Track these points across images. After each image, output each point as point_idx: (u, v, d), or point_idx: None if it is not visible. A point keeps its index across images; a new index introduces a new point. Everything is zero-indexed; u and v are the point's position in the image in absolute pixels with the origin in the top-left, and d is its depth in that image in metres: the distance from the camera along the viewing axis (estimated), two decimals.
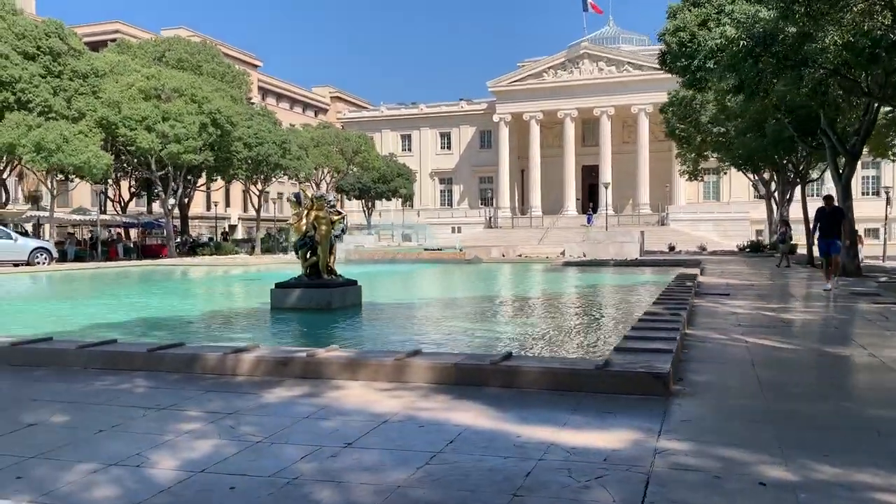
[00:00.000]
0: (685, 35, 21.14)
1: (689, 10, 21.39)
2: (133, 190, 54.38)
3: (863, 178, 70.60)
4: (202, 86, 41.90)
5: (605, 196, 72.53)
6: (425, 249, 36.78)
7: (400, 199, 75.54)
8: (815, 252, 16.76)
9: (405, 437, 4.84)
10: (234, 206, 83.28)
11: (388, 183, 68.34)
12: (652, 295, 17.33)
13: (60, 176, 38.20)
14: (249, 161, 45.86)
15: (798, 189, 37.04)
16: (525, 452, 4.42)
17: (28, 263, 31.63)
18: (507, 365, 6.23)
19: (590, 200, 77.98)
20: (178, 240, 52.73)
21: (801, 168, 30.73)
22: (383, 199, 71.45)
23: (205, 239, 58.29)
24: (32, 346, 7.86)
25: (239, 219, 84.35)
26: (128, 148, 38.48)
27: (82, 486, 4.06)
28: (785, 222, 28.13)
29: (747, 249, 45.78)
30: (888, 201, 44.94)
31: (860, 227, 45.19)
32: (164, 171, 42.72)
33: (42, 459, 4.55)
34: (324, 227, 13.52)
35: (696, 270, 21.60)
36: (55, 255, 33.80)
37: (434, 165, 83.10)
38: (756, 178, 45.93)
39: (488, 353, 7.59)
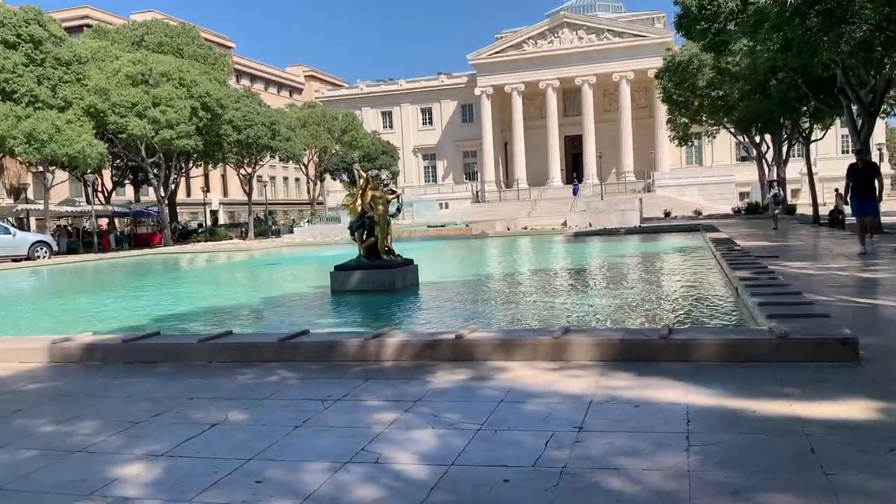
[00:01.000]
0: None
1: None
2: (115, 178, 53.31)
3: (842, 136, 71.17)
4: (189, 69, 40.94)
5: (590, 165, 72.72)
6: (429, 226, 36.46)
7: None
8: (847, 210, 15.49)
9: (634, 419, 4.67)
10: (214, 190, 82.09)
11: (373, 161, 67.61)
12: (699, 260, 17.33)
13: (52, 168, 37.15)
14: (239, 144, 45.05)
15: (792, 149, 37.38)
16: (786, 427, 4.26)
17: (28, 258, 30.87)
18: (679, 338, 6.06)
19: (573, 170, 77.98)
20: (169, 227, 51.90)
21: (804, 128, 30.85)
22: None
23: (194, 225, 57.41)
24: (147, 342, 7.55)
25: (220, 203, 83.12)
26: (118, 135, 37.54)
27: (338, 487, 3.84)
28: (776, 182, 27.52)
29: (742, 212, 46.08)
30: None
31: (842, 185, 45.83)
32: (154, 158, 41.84)
33: (263, 461, 4.33)
34: (381, 207, 13.22)
35: (722, 234, 21.60)
36: (55, 248, 33.03)
37: (417, 141, 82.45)
38: (747, 140, 46.14)
39: (642, 327, 7.42)
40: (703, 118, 40.74)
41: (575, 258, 21.71)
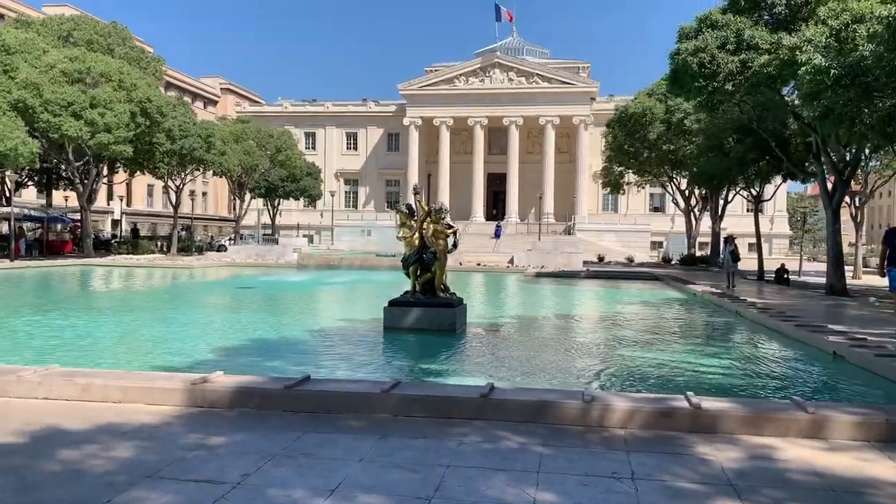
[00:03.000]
0: (706, 56, 21.55)
1: (709, 32, 21.82)
2: (19, 180, 49.39)
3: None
4: (130, 72, 38.65)
5: (512, 204, 73.75)
6: (377, 255, 35.49)
7: (306, 200, 73.30)
8: (884, 280, 12.97)
9: None
10: (116, 199, 77.80)
11: (297, 182, 65.93)
12: (712, 313, 17.46)
13: None
14: (172, 154, 42.73)
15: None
16: None
17: None
18: None
19: (493, 208, 78.85)
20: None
21: (758, 187, 32.23)
22: (290, 199, 68.90)
23: (107, 235, 53.97)
24: (315, 390, 6.63)
25: (122, 213, 78.73)
26: (49, 135, 34.77)
27: None
28: (732, 238, 28.08)
29: (671, 261, 47.55)
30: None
31: (745, 242, 48.28)
32: (80, 162, 39.04)
33: None
34: (441, 242, 12.59)
35: (708, 287, 22.00)
36: None
37: (340, 165, 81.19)
38: (679, 193, 47.87)
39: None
40: (650, 169, 41.97)
41: (573, 303, 21.54)
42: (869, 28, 18.08)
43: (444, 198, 75.35)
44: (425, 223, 12.59)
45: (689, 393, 6.48)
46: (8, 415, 6.38)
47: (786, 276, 30.55)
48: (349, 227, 69.72)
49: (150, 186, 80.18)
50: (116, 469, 5.02)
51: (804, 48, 16.59)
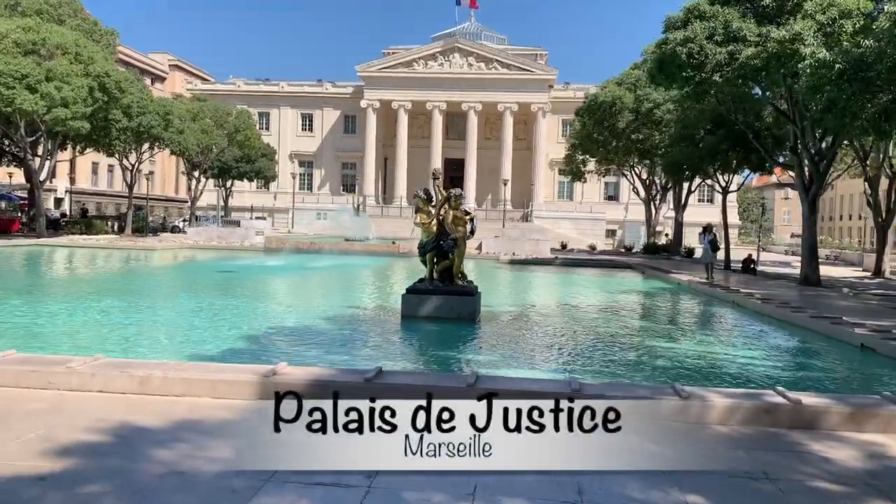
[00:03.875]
0: (694, 46, 21.66)
1: (698, 22, 21.93)
2: None
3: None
4: (87, 45, 37.06)
5: (470, 190, 73.59)
6: (346, 240, 34.92)
7: (260, 181, 71.87)
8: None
9: None
10: (59, 176, 74.96)
11: (251, 163, 64.46)
12: (706, 302, 17.58)
13: None
14: (128, 131, 41.23)
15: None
16: None
17: None
18: None
19: None
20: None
21: (727, 177, 32.77)
22: (244, 180, 67.38)
23: (54, 214, 51.94)
24: (404, 384, 6.32)
25: (66, 191, 75.99)
26: (1, 109, 33.07)
27: None
28: (711, 227, 28.04)
29: (634, 250, 48.09)
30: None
31: (692, 231, 49.23)
32: (33, 138, 37.38)
33: None
34: (461, 228, 12.28)
35: (694, 278, 22.24)
36: None
37: (294, 147, 79.75)
38: (638, 180, 48.36)
39: None
40: (615, 158, 42.26)
41: (571, 290, 21.38)
42: (855, 23, 18.41)
43: (400, 181, 74.92)
44: (443, 209, 12.29)
45: (780, 388, 6.40)
46: (71, 409, 5.91)
47: (752, 266, 31.21)
48: (306, 210, 68.66)
49: (95, 164, 77.49)
50: (226, 472, 4.66)
51: (807, 41, 16.78)
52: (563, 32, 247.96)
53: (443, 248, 12.22)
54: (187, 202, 71.48)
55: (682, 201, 41.68)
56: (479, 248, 39.93)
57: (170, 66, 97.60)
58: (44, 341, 9.51)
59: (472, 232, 12.77)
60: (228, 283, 20.01)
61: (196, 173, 55.89)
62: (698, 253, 31.28)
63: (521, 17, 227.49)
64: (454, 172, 78.85)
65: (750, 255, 31.86)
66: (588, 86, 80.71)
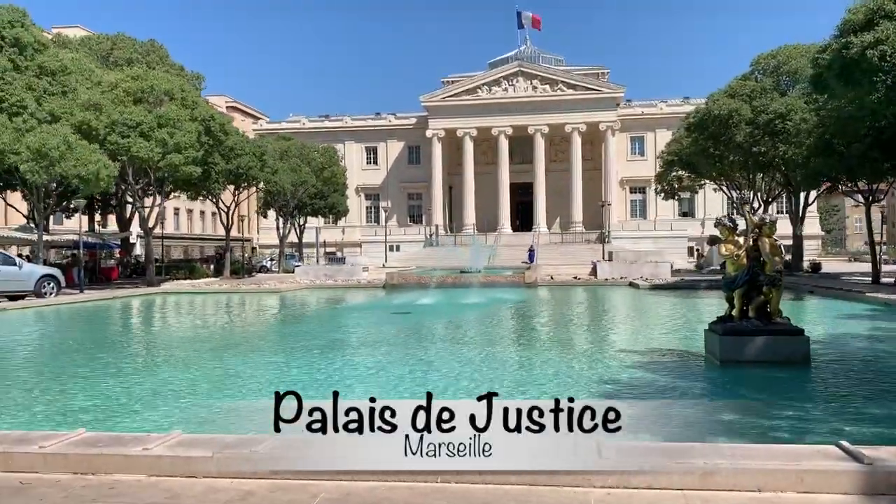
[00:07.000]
0: (887, 48, 20.37)
1: (886, 23, 20.67)
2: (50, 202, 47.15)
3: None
4: (190, 90, 36.85)
5: (540, 214, 72.51)
6: (462, 272, 33.78)
7: (331, 216, 71.55)
8: None
9: None
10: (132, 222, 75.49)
11: (325, 199, 64.05)
12: None
13: (56, 189, 31.91)
14: (228, 174, 40.86)
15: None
16: None
17: (37, 295, 25.94)
18: None
19: (517, 218, 77.34)
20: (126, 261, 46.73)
21: (874, 186, 31.28)
22: (318, 217, 66.96)
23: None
24: None
25: (138, 237, 76.48)
26: (118, 157, 32.78)
27: None
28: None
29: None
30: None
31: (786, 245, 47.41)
32: (141, 184, 37.15)
33: None
34: (778, 259, 11.07)
35: None
36: (63, 283, 28.02)
37: (360, 180, 79.48)
38: (738, 196, 46.73)
39: None
40: (731, 173, 40.75)
41: (806, 317, 18.85)
42: None
43: (469, 209, 74.08)
44: (761, 237, 11.09)
45: None
46: None
47: None
48: (373, 243, 67.88)
49: (176, 208, 77.95)
50: None
51: None
52: (618, 51, 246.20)
53: (761, 282, 11.02)
54: (250, 241, 71.39)
55: (801, 213, 40.02)
56: (594, 272, 38.72)
57: (227, 107, 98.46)
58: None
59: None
60: (449, 328, 18.31)
61: (279, 211, 55.55)
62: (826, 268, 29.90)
63: (576, 38, 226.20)
64: (521, 197, 77.86)
65: None
66: (655, 101, 79.93)
